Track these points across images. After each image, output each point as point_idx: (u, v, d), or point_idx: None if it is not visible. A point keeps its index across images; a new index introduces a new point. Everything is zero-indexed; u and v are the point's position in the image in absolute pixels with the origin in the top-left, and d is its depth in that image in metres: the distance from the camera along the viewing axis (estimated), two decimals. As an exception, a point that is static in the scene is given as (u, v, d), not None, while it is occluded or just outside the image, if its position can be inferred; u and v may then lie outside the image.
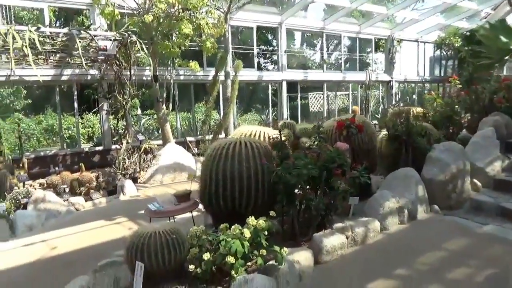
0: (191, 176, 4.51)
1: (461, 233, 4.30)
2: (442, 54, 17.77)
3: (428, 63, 18.27)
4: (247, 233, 3.15)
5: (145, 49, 8.22)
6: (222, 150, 4.18)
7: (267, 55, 20.36)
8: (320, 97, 16.71)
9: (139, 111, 10.64)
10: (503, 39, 8.39)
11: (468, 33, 16.84)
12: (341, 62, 17.86)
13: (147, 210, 4.16)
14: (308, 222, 4.17)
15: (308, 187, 4.00)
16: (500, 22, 8.72)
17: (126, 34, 8.00)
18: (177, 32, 9.17)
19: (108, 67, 8.79)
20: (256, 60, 12.88)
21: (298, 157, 3.86)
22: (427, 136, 5.61)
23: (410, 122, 5.57)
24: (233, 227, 3.23)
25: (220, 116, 12.41)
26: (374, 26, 15.22)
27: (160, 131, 12.09)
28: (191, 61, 9.97)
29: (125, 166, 8.57)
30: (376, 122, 14.60)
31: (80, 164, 8.20)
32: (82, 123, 13.89)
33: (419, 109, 8.50)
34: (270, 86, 13.30)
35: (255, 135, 5.42)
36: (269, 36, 22.46)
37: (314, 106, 16.84)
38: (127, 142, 8.98)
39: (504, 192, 5.03)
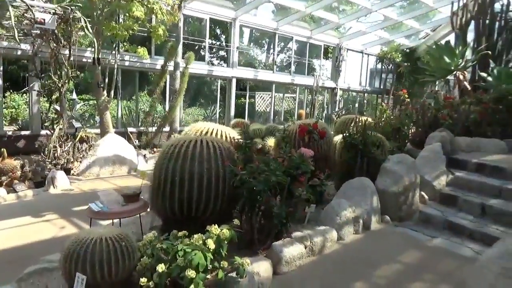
0: (143, 175, 4.05)
1: (413, 245, 4.37)
2: (382, 67, 18.70)
3: (369, 75, 19.15)
4: (211, 244, 2.83)
5: (89, 27, 7.42)
6: (180, 148, 3.79)
7: (213, 50, 19.91)
8: (266, 98, 16.69)
9: (74, 95, 9.67)
10: (447, 59, 8.95)
11: (408, 50, 17.95)
12: (290, 65, 18.07)
13: (88, 210, 3.64)
14: (267, 230, 3.95)
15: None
16: (446, 44, 9.29)
17: (69, 9, 7.15)
18: (127, 14, 8.46)
19: (44, 43, 7.83)
20: (207, 54, 12.42)
21: (266, 162, 3.62)
22: (381, 146, 5.69)
23: (366, 132, 5.61)
24: (196, 236, 2.88)
25: (164, 108, 11.79)
26: (325, 33, 15.53)
27: (97, 119, 11.16)
28: (139, 47, 9.27)
29: (56, 155, 7.68)
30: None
31: (2, 149, 7.16)
32: (5, 103, 12.35)
33: (365, 118, 8.73)
34: (219, 82, 12.93)
35: (214, 134, 5.08)
36: (218, 31, 22.01)
37: (260, 106, 16.79)
38: (60, 129, 8.06)
39: (450, 205, 5.24)
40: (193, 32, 16.06)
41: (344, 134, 5.87)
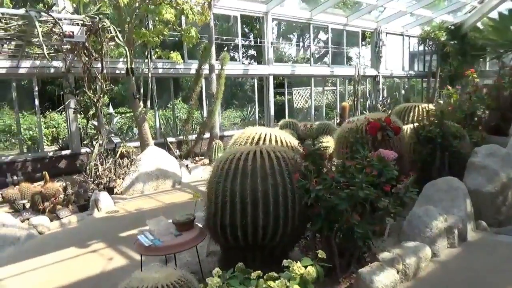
0: (196, 196, 3.46)
1: (530, 259, 3.52)
2: (425, 48, 17.36)
3: (410, 58, 17.84)
4: (296, 290, 2.18)
5: (119, 36, 7.00)
6: (237, 162, 3.16)
7: (243, 49, 19.30)
8: (304, 93, 15.89)
9: (111, 109, 9.37)
10: (515, 29, 7.84)
11: (453, 27, 16.51)
12: (324, 56, 17.16)
13: (138, 245, 3.10)
14: (348, 254, 3.26)
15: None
16: (511, 13, 8.17)
17: (97, 18, 6.74)
18: (156, 18, 8.00)
19: (75, 58, 7.51)
20: (240, 53, 11.83)
21: (349, 172, 2.92)
22: (462, 138, 4.83)
23: (444, 122, 4.76)
24: (278, 283, 2.23)
25: (202, 113, 11.31)
26: (361, 18, 14.53)
27: (135, 132, 10.87)
28: (172, 52, 8.80)
29: (98, 173, 7.33)
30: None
31: (44, 172, 6.87)
32: (44, 123, 12.36)
33: (427, 106, 7.78)
34: (255, 81, 12.30)
35: (268, 140, 4.43)
36: (246, 29, 21.41)
37: (299, 102, 16.00)
38: (100, 145, 7.72)
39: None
40: (221, 32, 15.55)
41: (414, 126, 5.06)
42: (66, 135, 10.93)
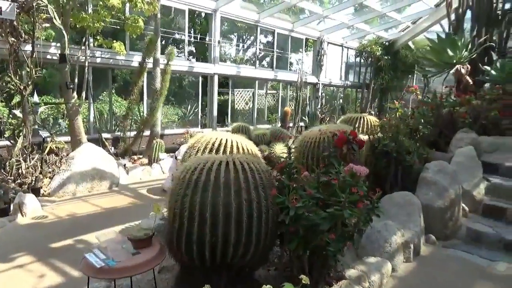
0: (157, 210, 3.06)
1: (477, 274, 3.68)
2: (361, 61, 18.29)
3: (346, 68, 18.66)
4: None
5: (57, 18, 6.21)
6: (208, 174, 2.86)
7: (181, 45, 18.68)
8: (246, 95, 15.78)
9: (36, 98, 8.34)
10: (450, 52, 8.45)
11: (387, 43, 17.61)
12: (266, 60, 17.23)
13: (85, 265, 2.64)
14: (317, 270, 3.13)
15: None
16: (448, 36, 8.80)
17: (32, -5, 5.92)
18: (100, 3, 7.28)
19: (1, 37, 6.52)
20: (187, 49, 11.32)
21: (328, 189, 2.78)
22: (413, 153, 5.00)
23: (399, 137, 4.90)
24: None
25: (139, 110, 10.61)
26: (306, 26, 14.81)
27: (62, 125, 9.81)
28: (114, 41, 8.09)
29: (20, 171, 6.42)
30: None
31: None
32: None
33: (371, 118, 8.08)
34: (200, 79, 11.87)
35: (231, 147, 4.16)
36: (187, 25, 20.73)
37: (239, 104, 15.84)
38: (24, 138, 6.79)
39: (496, 219, 4.65)
40: (162, 25, 14.79)
41: (370, 138, 5.14)
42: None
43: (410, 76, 18.77)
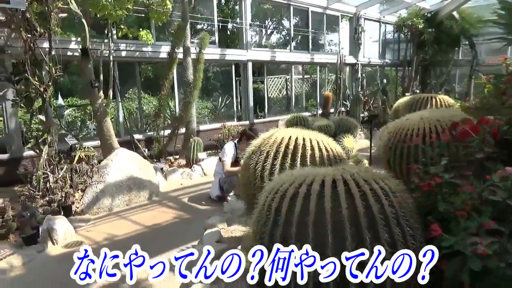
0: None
1: None
2: (400, 36, 16.76)
3: (383, 46, 17.14)
4: None
5: (75, 4, 5.29)
6: (305, 201, 1.83)
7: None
8: (279, 81, 14.67)
9: (60, 100, 7.58)
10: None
11: (429, 15, 15.98)
12: (295, 42, 15.97)
13: None
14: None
15: None
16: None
17: (43, -21, 5.01)
18: (122, -14, 6.33)
19: (13, 33, 5.69)
20: (217, 35, 10.29)
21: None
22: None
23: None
24: None
25: (173, 105, 9.73)
26: (341, 1, 13.47)
27: (90, 128, 9.05)
28: (140, 29, 7.14)
29: (49, 185, 5.62)
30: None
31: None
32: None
33: (445, 98, 6.85)
34: (233, 67, 10.83)
35: (311, 147, 3.11)
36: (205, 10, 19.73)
37: (273, 92, 14.74)
38: (50, 146, 5.96)
39: None
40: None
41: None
42: (3, 135, 8.86)
43: (456, 48, 17.03)
